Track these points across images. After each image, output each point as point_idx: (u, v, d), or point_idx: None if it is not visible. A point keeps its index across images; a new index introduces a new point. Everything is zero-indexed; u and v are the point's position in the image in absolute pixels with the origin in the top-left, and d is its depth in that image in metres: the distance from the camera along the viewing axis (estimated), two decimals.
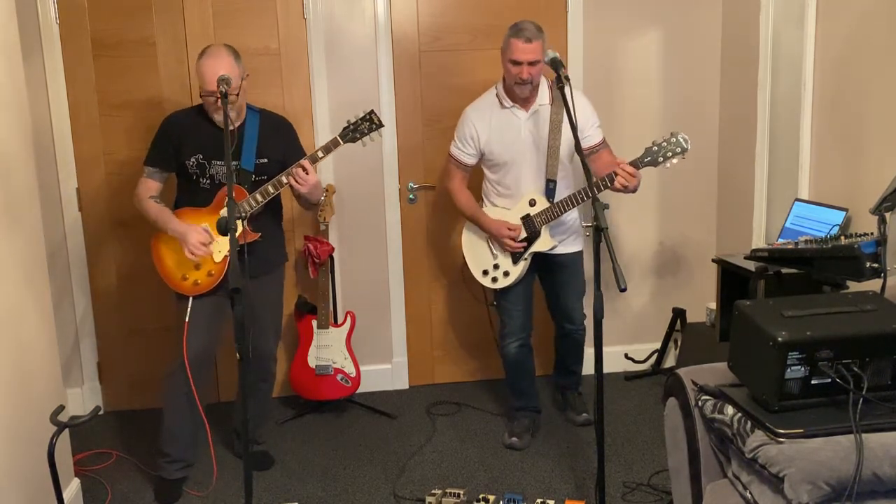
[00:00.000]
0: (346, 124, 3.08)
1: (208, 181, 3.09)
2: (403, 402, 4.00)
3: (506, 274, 3.34)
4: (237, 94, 2.96)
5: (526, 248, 3.29)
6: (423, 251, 4.10)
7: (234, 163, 3.04)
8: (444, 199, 4.05)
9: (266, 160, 3.11)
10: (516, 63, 3.10)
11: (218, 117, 3.00)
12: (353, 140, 3.08)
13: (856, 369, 1.95)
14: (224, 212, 3.03)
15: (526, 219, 3.27)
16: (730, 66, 3.99)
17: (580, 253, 3.46)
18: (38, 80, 3.63)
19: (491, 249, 3.37)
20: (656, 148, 2.99)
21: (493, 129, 3.26)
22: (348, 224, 4.00)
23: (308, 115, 3.87)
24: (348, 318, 3.85)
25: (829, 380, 1.96)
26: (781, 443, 1.88)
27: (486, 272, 3.39)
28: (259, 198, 3.03)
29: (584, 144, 3.16)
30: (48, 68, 3.66)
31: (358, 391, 3.91)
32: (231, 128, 3.00)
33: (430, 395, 4.08)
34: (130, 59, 3.74)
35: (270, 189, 3.03)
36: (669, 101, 4.05)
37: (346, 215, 3.98)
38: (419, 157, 4.00)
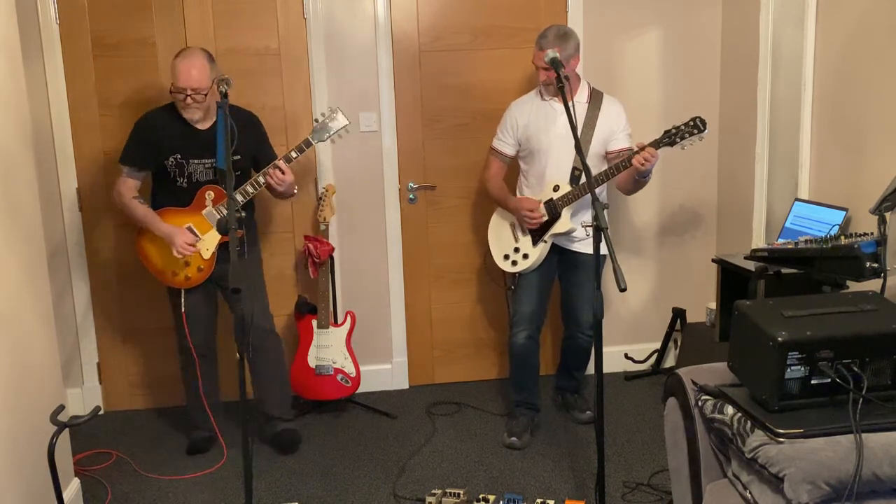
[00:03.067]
0: (315, 123, 3.27)
1: (185, 180, 3.23)
2: (403, 402, 4.00)
3: (525, 256, 3.44)
4: (205, 95, 3.13)
5: (545, 230, 3.37)
6: (423, 251, 4.10)
7: (208, 161, 3.21)
8: (444, 199, 4.06)
9: (239, 156, 3.21)
10: (537, 68, 3.33)
11: (188, 115, 3.17)
12: (322, 140, 3.26)
13: (856, 369, 1.95)
14: (206, 212, 3.25)
15: (549, 203, 3.37)
16: (730, 66, 3.99)
17: (603, 257, 3.49)
18: (38, 80, 3.63)
19: (514, 234, 3.49)
20: (674, 130, 3.09)
21: (531, 119, 3.43)
22: (348, 224, 4.00)
23: (308, 116, 3.87)
24: (348, 318, 3.85)
25: (829, 380, 1.96)
26: (781, 443, 1.88)
27: (506, 256, 3.51)
28: (239, 198, 3.17)
29: (613, 147, 3.38)
30: (48, 68, 3.66)
31: (358, 391, 3.91)
32: (202, 128, 3.20)
33: (430, 395, 4.08)
34: (130, 59, 3.74)
35: (249, 189, 3.21)
36: (669, 101, 4.05)
37: (346, 215, 3.98)
38: (419, 157, 4.00)
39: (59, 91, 3.70)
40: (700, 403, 2.16)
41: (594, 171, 3.38)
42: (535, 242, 3.42)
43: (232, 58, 3.77)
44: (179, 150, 3.19)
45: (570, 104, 2.65)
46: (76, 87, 3.73)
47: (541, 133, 3.39)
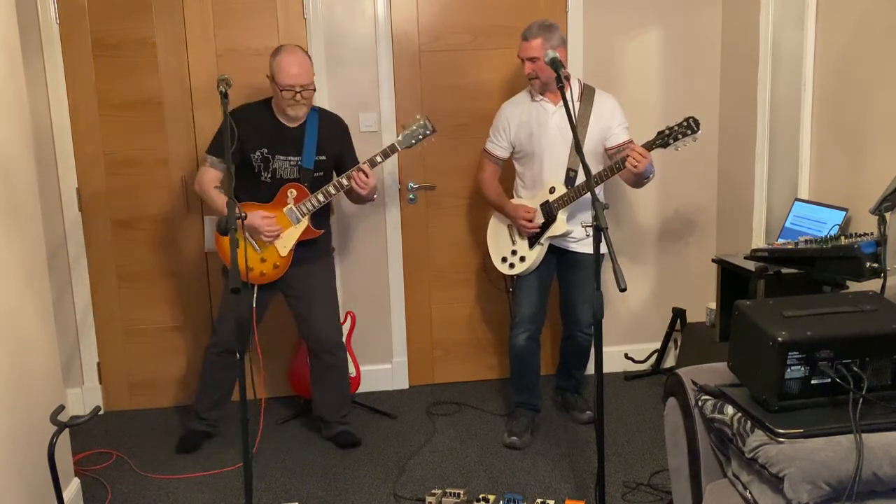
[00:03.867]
0: (404, 130, 3.29)
1: (270, 175, 3.26)
2: (403, 402, 4.00)
3: (522, 259, 3.43)
4: (313, 91, 3.21)
5: (542, 233, 3.37)
6: (423, 251, 4.10)
7: (294, 158, 3.24)
8: (444, 199, 4.07)
9: (325, 157, 3.29)
10: (522, 60, 3.33)
11: (294, 112, 3.21)
12: (410, 146, 3.29)
13: (856, 369, 1.95)
14: (287, 210, 3.24)
15: (545, 205, 3.36)
16: (730, 66, 3.99)
17: (601, 256, 3.49)
18: (38, 80, 3.63)
19: (511, 236, 3.49)
20: (668, 131, 3.08)
21: (523, 120, 3.41)
22: (348, 224, 4.00)
23: None
24: (348, 318, 3.85)
25: (829, 380, 1.96)
26: (781, 443, 1.88)
27: (504, 259, 3.51)
28: (321, 198, 3.23)
29: (612, 143, 3.36)
30: (48, 68, 3.66)
31: (358, 391, 3.91)
32: (291, 125, 3.25)
33: (430, 395, 4.08)
34: (130, 59, 3.74)
35: (332, 190, 3.24)
36: (669, 101, 4.05)
37: (346, 215, 3.98)
38: (419, 157, 4.00)
39: (59, 91, 3.70)
40: (700, 403, 2.16)
41: (593, 169, 3.38)
42: (531, 245, 3.41)
43: (232, 58, 3.77)
44: (266, 146, 3.22)
45: (569, 105, 2.63)
46: (76, 87, 3.73)
47: (534, 135, 3.37)
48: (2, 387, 2.38)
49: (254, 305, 3.27)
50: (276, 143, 3.21)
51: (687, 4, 4.01)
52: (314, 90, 3.22)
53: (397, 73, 3.91)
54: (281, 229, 3.23)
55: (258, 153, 3.22)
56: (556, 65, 2.79)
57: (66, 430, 2.52)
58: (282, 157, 3.24)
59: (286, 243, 3.25)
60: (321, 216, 3.35)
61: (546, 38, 3.24)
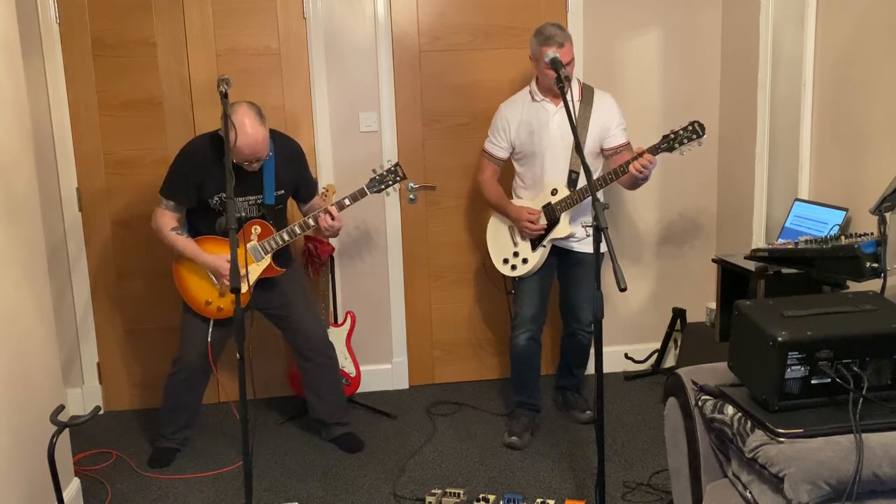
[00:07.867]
0: (373, 174, 3.27)
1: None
2: (403, 402, 4.00)
3: (524, 261, 3.42)
4: (270, 153, 3.12)
5: (545, 235, 3.36)
6: (423, 251, 4.10)
7: (253, 198, 3.18)
8: (444, 199, 4.07)
9: (283, 191, 3.26)
10: (544, 69, 3.18)
11: (250, 169, 3.09)
12: (379, 191, 3.28)
13: (856, 369, 1.95)
14: (251, 246, 3.18)
15: (547, 207, 3.35)
16: (730, 66, 3.99)
17: (601, 255, 3.49)
18: (38, 80, 3.63)
19: (512, 238, 3.47)
20: (673, 135, 3.06)
21: (523, 121, 3.38)
22: (348, 224, 3.99)
23: (308, 115, 3.87)
24: (348, 318, 3.85)
25: (829, 380, 1.96)
26: (781, 443, 1.88)
27: (506, 260, 3.48)
28: (286, 237, 3.20)
29: (609, 144, 3.35)
30: (48, 68, 3.66)
31: (358, 391, 3.91)
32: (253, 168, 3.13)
33: (430, 395, 4.08)
34: (130, 59, 3.74)
35: (297, 230, 3.21)
36: (669, 101, 4.05)
37: (347, 215, 3.96)
38: (419, 157, 4.00)
39: (59, 91, 3.70)
40: (700, 403, 2.16)
41: (594, 170, 3.37)
42: (534, 247, 3.40)
43: (232, 58, 3.78)
44: (225, 190, 3.07)
45: (570, 106, 2.63)
46: (76, 87, 3.73)
47: (534, 135, 3.36)
48: (2, 387, 2.38)
49: (209, 340, 3.23)
50: (234, 186, 3.01)
51: (687, 4, 4.01)
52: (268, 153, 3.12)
53: (397, 73, 3.91)
54: (247, 274, 3.15)
55: (216, 198, 3.13)
56: (556, 65, 2.79)
57: (66, 430, 2.52)
58: (241, 199, 3.15)
59: (249, 279, 3.17)
60: (283, 253, 3.30)
61: (571, 44, 3.20)
